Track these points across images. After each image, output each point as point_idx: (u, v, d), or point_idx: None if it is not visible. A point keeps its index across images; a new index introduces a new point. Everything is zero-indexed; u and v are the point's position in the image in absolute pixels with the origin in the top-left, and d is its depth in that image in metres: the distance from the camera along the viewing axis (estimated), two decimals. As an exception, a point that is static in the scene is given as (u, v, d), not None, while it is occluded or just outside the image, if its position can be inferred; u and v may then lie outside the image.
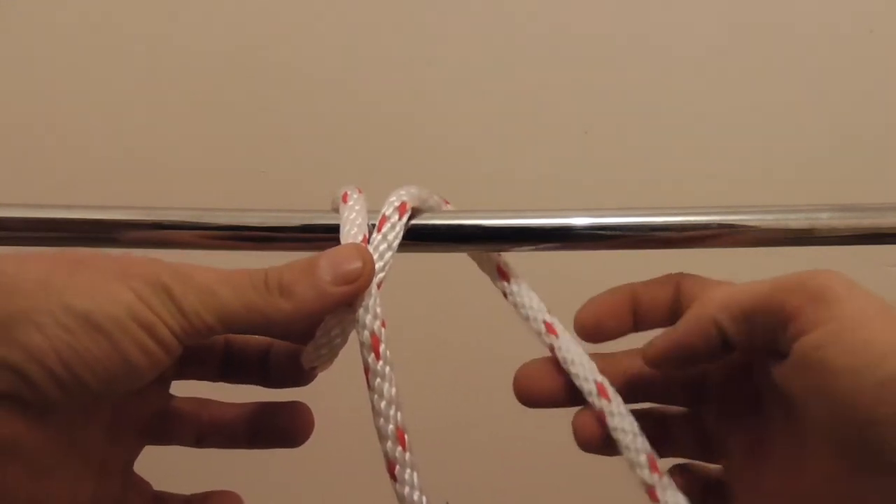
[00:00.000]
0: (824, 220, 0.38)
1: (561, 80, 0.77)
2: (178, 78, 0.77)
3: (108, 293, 0.30)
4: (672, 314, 0.37)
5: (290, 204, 0.39)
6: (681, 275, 0.38)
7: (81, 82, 0.77)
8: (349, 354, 0.37)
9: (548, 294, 0.39)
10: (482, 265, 0.40)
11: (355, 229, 0.36)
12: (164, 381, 0.38)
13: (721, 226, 0.38)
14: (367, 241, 0.35)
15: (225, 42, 0.76)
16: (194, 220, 0.37)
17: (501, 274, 0.39)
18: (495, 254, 0.39)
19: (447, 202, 0.40)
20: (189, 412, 0.39)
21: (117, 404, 0.34)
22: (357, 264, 0.34)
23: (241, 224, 0.38)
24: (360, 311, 0.34)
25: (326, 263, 0.33)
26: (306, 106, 0.77)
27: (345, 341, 0.36)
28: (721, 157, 0.78)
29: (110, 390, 0.30)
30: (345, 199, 0.37)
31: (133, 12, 0.76)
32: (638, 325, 0.38)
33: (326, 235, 0.38)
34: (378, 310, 0.34)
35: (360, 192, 0.38)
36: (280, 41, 0.76)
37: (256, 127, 0.78)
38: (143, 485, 0.38)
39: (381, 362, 0.34)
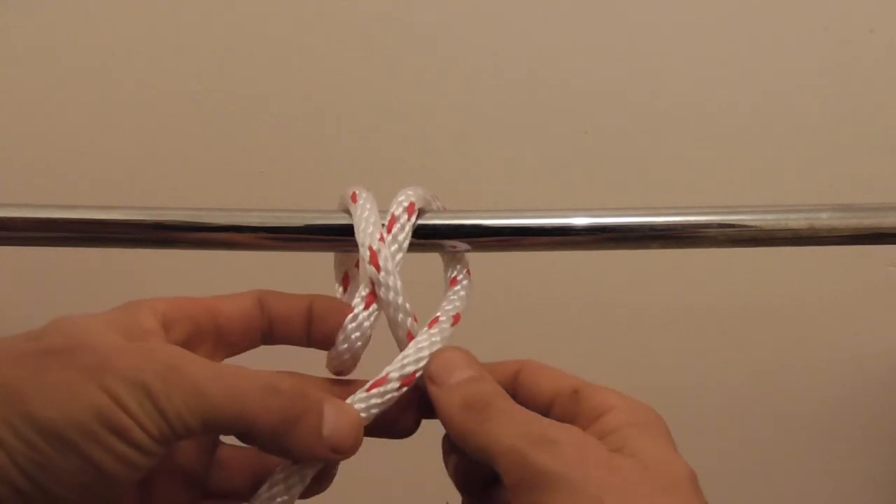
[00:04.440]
0: (824, 220, 0.38)
1: (561, 80, 0.77)
2: (177, 77, 0.77)
3: (77, 396, 0.27)
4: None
5: (289, 204, 0.39)
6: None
7: (81, 82, 0.77)
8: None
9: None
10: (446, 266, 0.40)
11: (371, 227, 0.36)
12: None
13: (721, 226, 0.38)
14: (383, 239, 0.36)
15: (224, 41, 0.76)
16: (194, 220, 0.38)
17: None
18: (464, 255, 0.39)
19: (446, 208, 0.40)
20: (243, 459, 0.36)
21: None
22: (352, 442, 0.33)
23: (241, 224, 0.38)
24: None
25: (333, 421, 0.32)
26: (306, 106, 0.77)
27: (366, 344, 0.36)
28: (721, 156, 0.78)
29: (89, 497, 0.28)
30: (354, 198, 0.37)
31: (133, 11, 0.76)
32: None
33: (326, 237, 0.38)
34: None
35: (367, 190, 0.38)
36: (280, 41, 0.76)
37: (256, 127, 0.77)
38: None
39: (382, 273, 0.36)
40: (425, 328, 0.36)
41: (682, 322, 0.81)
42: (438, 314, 0.37)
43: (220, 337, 0.35)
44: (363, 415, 0.34)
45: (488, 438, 0.31)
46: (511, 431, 0.31)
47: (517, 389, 0.36)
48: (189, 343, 0.34)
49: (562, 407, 0.34)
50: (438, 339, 0.36)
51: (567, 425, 0.32)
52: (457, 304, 0.38)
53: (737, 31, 0.76)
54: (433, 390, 0.34)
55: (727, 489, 0.85)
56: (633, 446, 0.31)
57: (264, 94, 0.77)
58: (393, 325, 0.36)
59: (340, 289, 0.39)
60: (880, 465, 0.85)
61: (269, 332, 0.36)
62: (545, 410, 0.34)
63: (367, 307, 0.36)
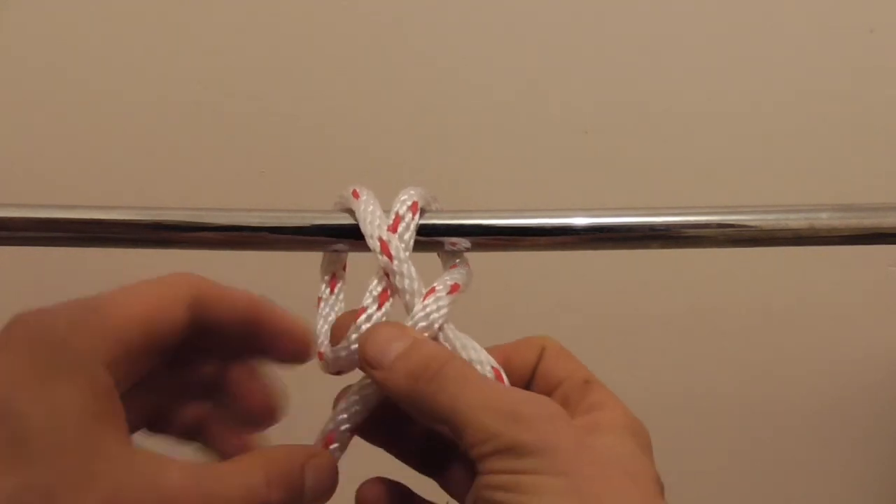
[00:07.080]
0: (824, 220, 0.38)
1: (561, 80, 0.77)
2: (178, 78, 0.77)
3: None
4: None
5: (289, 204, 0.39)
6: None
7: (81, 82, 0.77)
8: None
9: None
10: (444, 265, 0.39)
11: (378, 220, 0.36)
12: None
13: (721, 226, 0.38)
14: (392, 229, 0.35)
15: (225, 42, 0.76)
16: (194, 220, 0.37)
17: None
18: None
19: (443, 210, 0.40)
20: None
21: None
22: (324, 496, 0.32)
23: (240, 224, 0.38)
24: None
25: (311, 487, 0.31)
26: (306, 106, 0.77)
27: None
28: (721, 156, 0.78)
29: None
30: (356, 194, 0.37)
31: (133, 12, 0.76)
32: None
33: (327, 237, 0.38)
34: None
35: (368, 188, 0.37)
36: (280, 42, 0.76)
37: (256, 127, 0.77)
38: None
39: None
40: (420, 301, 0.34)
41: (682, 323, 0.81)
42: (435, 285, 0.35)
43: (154, 356, 0.32)
44: (371, 399, 0.34)
45: (449, 408, 0.31)
46: (476, 402, 0.30)
47: (538, 370, 0.36)
48: (125, 378, 0.30)
49: (568, 390, 0.34)
50: (435, 307, 0.34)
51: (537, 395, 0.32)
52: (455, 276, 0.36)
53: (736, 32, 0.76)
54: (376, 376, 0.33)
55: (727, 489, 0.85)
56: (613, 441, 0.31)
57: (264, 95, 0.77)
58: (410, 312, 0.35)
59: (327, 290, 0.38)
60: (880, 465, 0.85)
61: (200, 341, 0.33)
62: (551, 390, 0.35)
63: (380, 306, 0.35)
